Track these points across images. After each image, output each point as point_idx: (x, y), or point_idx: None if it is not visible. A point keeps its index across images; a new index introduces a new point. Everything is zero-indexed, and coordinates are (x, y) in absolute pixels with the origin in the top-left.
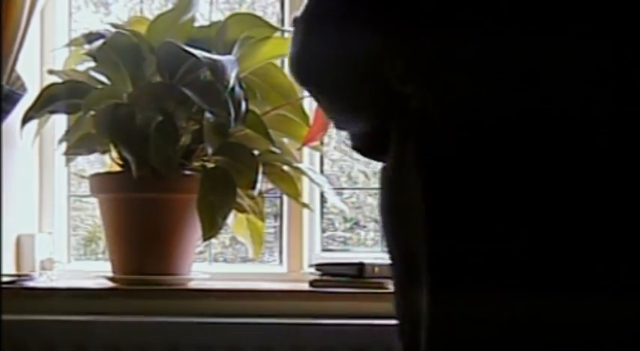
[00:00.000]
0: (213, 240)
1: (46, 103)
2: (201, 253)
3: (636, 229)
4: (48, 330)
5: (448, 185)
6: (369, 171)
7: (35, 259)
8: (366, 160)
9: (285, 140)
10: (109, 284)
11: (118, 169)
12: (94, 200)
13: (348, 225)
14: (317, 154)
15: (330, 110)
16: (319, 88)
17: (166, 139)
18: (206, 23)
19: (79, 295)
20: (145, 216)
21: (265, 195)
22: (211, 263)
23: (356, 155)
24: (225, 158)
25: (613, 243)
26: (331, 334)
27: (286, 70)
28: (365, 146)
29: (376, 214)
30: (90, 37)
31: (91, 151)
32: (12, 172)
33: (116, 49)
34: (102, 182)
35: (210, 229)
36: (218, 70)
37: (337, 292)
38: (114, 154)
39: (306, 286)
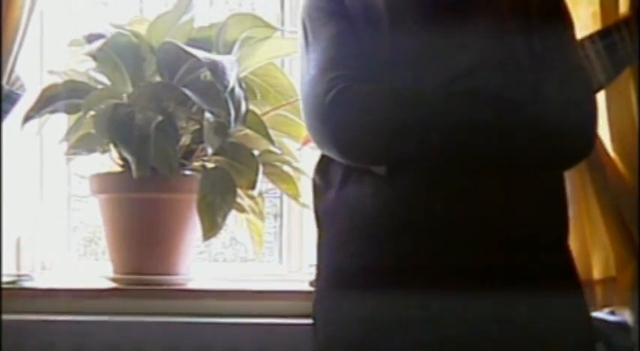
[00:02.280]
0: (213, 240)
1: (46, 103)
2: (201, 253)
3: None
4: (48, 330)
5: None
6: None
7: (35, 259)
8: None
9: (285, 140)
10: (109, 284)
11: (118, 169)
12: (94, 200)
13: None
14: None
15: None
16: None
17: (166, 139)
18: (206, 23)
19: (79, 295)
20: (145, 216)
21: (265, 195)
22: (211, 263)
23: None
24: (225, 158)
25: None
26: None
27: (286, 70)
28: None
29: None
30: (90, 37)
31: (91, 151)
32: (12, 173)
33: (116, 49)
34: (102, 182)
35: (210, 229)
36: (218, 70)
37: None
38: (114, 154)
39: (306, 286)
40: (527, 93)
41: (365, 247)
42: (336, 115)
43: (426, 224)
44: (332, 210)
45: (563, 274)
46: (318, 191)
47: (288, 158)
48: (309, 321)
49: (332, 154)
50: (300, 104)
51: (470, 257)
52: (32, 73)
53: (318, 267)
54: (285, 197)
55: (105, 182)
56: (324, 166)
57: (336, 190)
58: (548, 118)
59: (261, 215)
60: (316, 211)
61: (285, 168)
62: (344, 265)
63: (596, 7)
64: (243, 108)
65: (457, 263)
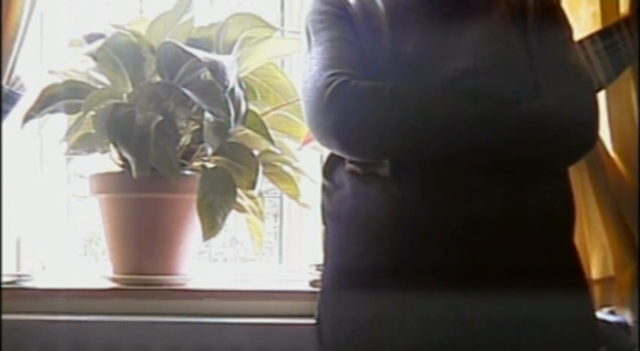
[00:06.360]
0: (213, 240)
1: (46, 103)
2: (201, 253)
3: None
4: (48, 330)
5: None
6: None
7: (35, 259)
8: None
9: (285, 140)
10: (109, 284)
11: (118, 169)
12: (94, 200)
13: None
14: (317, 154)
15: None
16: None
17: (166, 139)
18: (206, 23)
19: (79, 295)
20: (145, 216)
21: (265, 195)
22: (211, 263)
23: None
24: (225, 158)
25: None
26: None
27: (286, 70)
28: None
29: None
30: (90, 37)
31: (91, 151)
32: (12, 173)
33: (116, 49)
34: (102, 182)
35: (210, 229)
36: (218, 70)
37: None
38: (114, 154)
39: (306, 286)
40: (527, 91)
41: (371, 248)
42: (336, 108)
43: (431, 224)
44: (338, 211)
45: (569, 273)
46: (325, 192)
47: (288, 158)
48: (310, 321)
49: (333, 148)
50: (301, 101)
51: (476, 257)
52: (32, 73)
53: (324, 267)
54: (285, 197)
55: (105, 182)
56: (330, 169)
57: (343, 191)
58: (548, 113)
59: (261, 215)
60: (323, 212)
61: (285, 168)
62: (350, 265)
63: (596, 6)
64: (243, 108)
65: (463, 263)
